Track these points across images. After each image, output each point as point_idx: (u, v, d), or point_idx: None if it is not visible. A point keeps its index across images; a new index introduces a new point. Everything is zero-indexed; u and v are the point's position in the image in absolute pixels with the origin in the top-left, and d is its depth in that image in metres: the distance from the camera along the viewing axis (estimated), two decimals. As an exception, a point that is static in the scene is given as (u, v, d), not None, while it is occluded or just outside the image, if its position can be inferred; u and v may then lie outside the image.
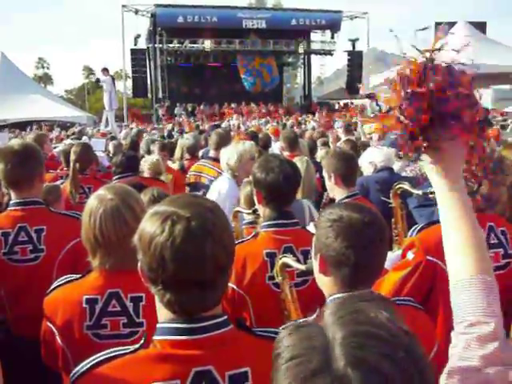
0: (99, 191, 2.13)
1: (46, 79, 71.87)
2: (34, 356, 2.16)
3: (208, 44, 32.54)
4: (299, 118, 22.94)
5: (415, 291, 2.31)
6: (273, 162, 2.65)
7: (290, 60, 39.38)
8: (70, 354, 1.96)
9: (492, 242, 2.46)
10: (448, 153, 1.34)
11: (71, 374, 1.43)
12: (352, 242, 1.69)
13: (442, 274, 2.30)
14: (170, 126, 19.97)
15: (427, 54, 1.33)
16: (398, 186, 3.29)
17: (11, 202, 2.91)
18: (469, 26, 24.30)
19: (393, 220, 3.35)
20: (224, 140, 5.61)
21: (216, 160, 5.46)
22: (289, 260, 2.15)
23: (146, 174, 5.23)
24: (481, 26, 27.47)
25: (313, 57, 37.75)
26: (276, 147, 7.12)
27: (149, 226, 1.36)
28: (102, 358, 1.40)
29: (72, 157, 4.87)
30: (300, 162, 4.05)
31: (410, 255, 2.34)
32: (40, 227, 2.83)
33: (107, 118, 18.87)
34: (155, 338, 1.40)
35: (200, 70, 34.18)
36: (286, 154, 5.68)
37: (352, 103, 32.59)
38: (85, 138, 11.17)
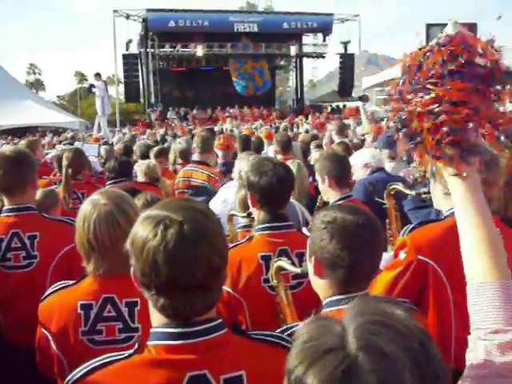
0: (93, 196, 2.12)
1: (37, 85, 71.65)
2: (29, 363, 2.15)
3: (200, 48, 32.55)
4: (293, 121, 22.96)
5: (407, 291, 2.31)
6: (266, 165, 2.65)
7: (282, 63, 39.45)
8: (66, 360, 1.95)
9: None
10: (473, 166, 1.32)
11: (65, 381, 1.42)
12: (347, 243, 1.69)
13: (434, 273, 2.31)
14: (162, 131, 19.94)
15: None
16: (391, 187, 3.30)
17: (4, 209, 2.90)
18: (460, 27, 24.36)
19: (387, 221, 3.35)
20: (207, 143, 5.63)
21: (202, 163, 5.50)
22: (284, 263, 2.15)
23: (141, 179, 5.20)
24: (472, 27, 27.70)
25: (305, 60, 37.84)
26: (270, 151, 7.12)
27: (141, 230, 1.35)
28: (96, 365, 1.39)
29: (64, 162, 4.85)
30: (292, 165, 4.05)
31: (402, 255, 2.35)
32: (33, 233, 2.82)
33: (99, 124, 18.81)
34: (149, 343, 1.39)
35: (192, 74, 34.15)
36: (280, 157, 5.68)
37: (344, 106, 32.68)
38: (77, 144, 11.13)
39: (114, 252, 1.93)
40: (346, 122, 15.81)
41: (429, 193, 2.72)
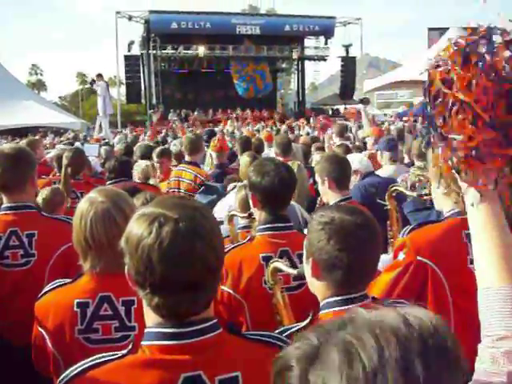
0: (90, 194, 2.11)
1: (39, 85, 71.82)
2: (25, 361, 2.13)
3: (202, 50, 32.57)
4: (293, 124, 22.94)
5: (406, 292, 2.29)
6: (268, 166, 2.64)
7: (283, 66, 39.50)
8: (61, 358, 1.93)
9: None
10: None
11: (58, 381, 1.40)
12: (345, 244, 1.67)
13: (434, 274, 2.29)
14: (163, 132, 19.97)
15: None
16: (393, 188, 3.28)
17: (2, 207, 2.89)
18: (461, 31, 24.39)
19: (388, 222, 3.33)
20: (195, 144, 5.83)
21: (192, 163, 5.70)
22: (280, 264, 2.12)
23: (137, 180, 5.22)
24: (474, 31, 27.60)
25: (306, 63, 37.89)
26: (270, 153, 7.11)
27: (136, 228, 1.33)
28: (89, 364, 1.37)
29: (64, 161, 4.85)
30: (292, 167, 4.03)
31: (401, 256, 2.33)
32: (31, 232, 2.80)
33: (101, 124, 18.81)
34: (143, 343, 1.37)
35: (194, 76, 34.20)
36: (280, 159, 5.67)
37: (346, 108, 32.70)
38: (77, 144, 11.12)
39: (111, 250, 1.89)
40: (347, 123, 15.81)
41: (429, 194, 2.70)
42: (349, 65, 36.24)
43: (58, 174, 5.53)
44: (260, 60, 34.55)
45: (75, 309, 1.95)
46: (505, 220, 1.29)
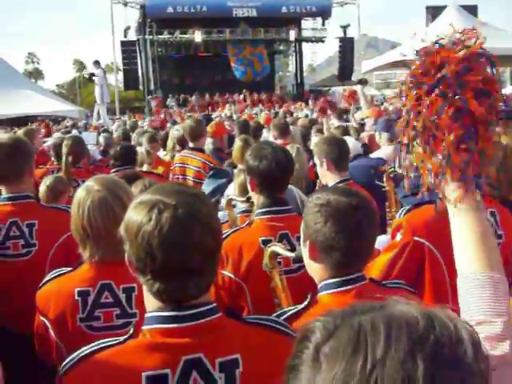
0: (87, 182, 2.12)
1: (36, 74, 71.51)
2: (28, 351, 2.15)
3: (198, 34, 32.29)
4: (291, 107, 22.81)
5: (405, 272, 2.31)
6: (265, 150, 2.64)
7: (281, 48, 39.19)
8: (64, 346, 1.95)
9: None
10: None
11: (60, 367, 1.42)
12: (341, 226, 1.68)
13: (430, 254, 2.30)
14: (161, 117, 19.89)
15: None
16: (390, 170, 3.28)
17: (1, 197, 2.89)
18: (460, 9, 24.12)
19: (387, 204, 3.34)
20: (197, 130, 5.66)
21: (197, 150, 5.55)
22: (277, 248, 2.13)
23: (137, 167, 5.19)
24: (472, 9, 27.32)
25: (304, 44, 37.56)
26: (270, 136, 7.10)
27: (135, 215, 1.35)
28: (90, 350, 1.39)
29: (64, 150, 4.84)
30: (291, 150, 4.02)
31: (398, 236, 2.35)
32: (31, 222, 2.81)
33: (99, 112, 18.77)
34: (144, 327, 1.39)
35: (191, 61, 33.97)
36: (279, 141, 5.66)
37: (344, 90, 32.55)
38: (75, 132, 11.10)
39: (109, 238, 1.90)
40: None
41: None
42: (347, 46, 35.91)
43: (55, 163, 5.51)
44: (257, 43, 34.26)
45: (76, 297, 1.97)
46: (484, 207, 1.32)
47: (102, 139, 8.10)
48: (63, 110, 28.64)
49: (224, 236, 2.51)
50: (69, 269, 2.09)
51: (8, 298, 2.77)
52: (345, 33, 36.05)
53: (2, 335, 2.66)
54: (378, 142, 5.82)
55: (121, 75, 37.04)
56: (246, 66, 34.01)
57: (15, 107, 26.37)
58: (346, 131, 6.31)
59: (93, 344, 1.41)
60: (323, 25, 35.30)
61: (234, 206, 3.41)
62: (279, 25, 34.29)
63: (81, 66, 70.75)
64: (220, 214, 3.06)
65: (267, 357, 1.41)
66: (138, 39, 33.47)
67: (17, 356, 2.46)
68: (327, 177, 3.60)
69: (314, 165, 3.97)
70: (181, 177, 5.41)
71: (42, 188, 3.86)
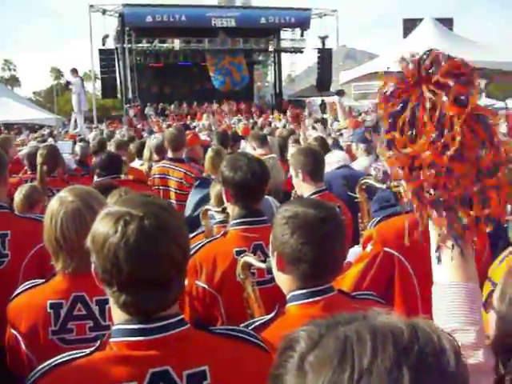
0: (60, 193, 2.10)
1: (12, 81, 70.59)
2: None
3: (177, 43, 32.29)
4: (269, 118, 22.88)
5: (375, 283, 2.33)
6: (241, 161, 2.66)
7: (260, 58, 39.35)
8: (36, 359, 1.91)
9: None
10: None
11: (27, 379, 1.40)
12: (308, 238, 1.69)
13: (400, 265, 2.33)
14: (139, 127, 19.81)
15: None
16: (363, 181, 3.32)
17: (-26, 207, 2.84)
18: (436, 22, 24.56)
19: (359, 214, 3.37)
20: (178, 140, 5.54)
21: (177, 160, 5.42)
22: (250, 259, 2.15)
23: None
24: (448, 22, 27.81)
25: (283, 55, 37.76)
26: (247, 147, 7.11)
27: (101, 227, 1.34)
28: (57, 362, 1.38)
29: (39, 160, 4.79)
30: (267, 160, 4.04)
31: (369, 247, 2.37)
32: (4, 232, 2.77)
33: (76, 120, 18.59)
34: (111, 340, 1.38)
35: (170, 70, 33.89)
36: (258, 151, 5.66)
37: (323, 100, 32.81)
38: (50, 140, 10.97)
39: (82, 249, 1.86)
40: (325, 116, 15.85)
41: (399, 186, 2.73)
42: (325, 57, 36.21)
43: (29, 172, 5.44)
44: (236, 52, 34.35)
45: (48, 310, 1.95)
46: None
47: (78, 148, 8.02)
48: (40, 117, 28.35)
49: (198, 246, 2.52)
50: (41, 281, 2.06)
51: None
52: (323, 44, 36.36)
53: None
54: (355, 153, 5.88)
55: (99, 83, 36.82)
56: (225, 75, 34.06)
57: (-8, 115, 26.00)
58: (324, 142, 6.35)
59: (59, 356, 1.39)
60: (302, 35, 35.53)
61: (211, 217, 3.42)
62: (258, 35, 34.49)
63: (58, 73, 70.09)
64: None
65: (235, 368, 1.41)
66: (117, 47, 33.29)
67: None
68: (302, 187, 3.63)
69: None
70: (162, 188, 5.28)
71: (18, 197, 3.82)
